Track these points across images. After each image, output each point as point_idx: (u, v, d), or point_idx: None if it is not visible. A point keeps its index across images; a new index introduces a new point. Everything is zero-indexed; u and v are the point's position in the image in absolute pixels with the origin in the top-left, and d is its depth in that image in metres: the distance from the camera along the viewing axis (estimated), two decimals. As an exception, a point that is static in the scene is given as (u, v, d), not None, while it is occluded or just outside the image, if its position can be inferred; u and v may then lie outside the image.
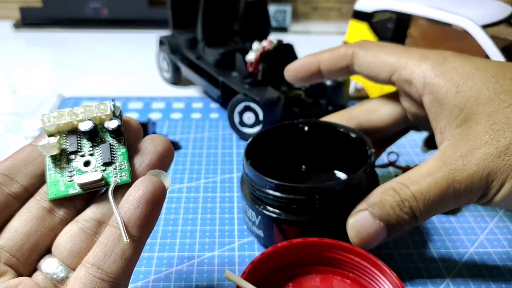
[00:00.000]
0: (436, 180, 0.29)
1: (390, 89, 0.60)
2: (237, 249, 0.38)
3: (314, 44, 0.93)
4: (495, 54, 0.49)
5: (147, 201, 0.22)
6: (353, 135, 0.40)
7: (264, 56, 0.57)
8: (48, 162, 0.24)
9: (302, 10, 1.08)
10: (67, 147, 0.24)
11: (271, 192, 0.34)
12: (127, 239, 0.21)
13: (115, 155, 0.23)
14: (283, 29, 1.00)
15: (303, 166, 0.45)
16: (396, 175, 0.48)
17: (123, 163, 0.23)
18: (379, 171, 0.49)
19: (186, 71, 0.66)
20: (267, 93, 0.53)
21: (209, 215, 0.42)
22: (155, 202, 0.22)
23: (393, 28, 0.59)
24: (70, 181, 0.23)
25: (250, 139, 0.40)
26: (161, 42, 0.70)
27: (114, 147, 0.23)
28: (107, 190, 0.23)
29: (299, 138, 0.43)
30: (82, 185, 0.23)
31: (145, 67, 0.77)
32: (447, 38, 0.61)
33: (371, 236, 0.32)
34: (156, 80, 0.72)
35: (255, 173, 0.35)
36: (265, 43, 0.58)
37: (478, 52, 0.50)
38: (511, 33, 0.54)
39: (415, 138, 0.56)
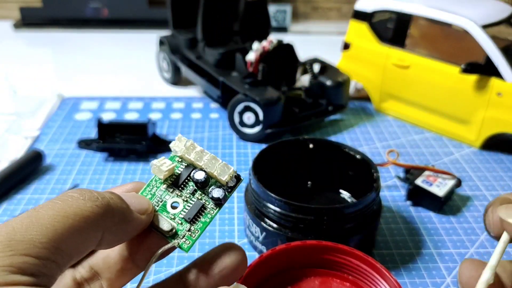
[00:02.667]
0: None
1: (389, 89, 0.60)
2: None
3: (314, 44, 0.93)
4: (495, 54, 0.49)
5: None
6: (358, 157, 0.40)
7: (264, 56, 0.57)
8: (151, 179, 0.24)
9: (302, 10, 1.08)
10: (174, 179, 0.24)
11: (278, 209, 0.34)
12: None
13: (197, 219, 0.23)
14: (283, 29, 1.00)
15: (309, 183, 0.44)
16: (398, 177, 0.48)
17: (196, 230, 0.23)
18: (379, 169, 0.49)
19: (186, 71, 0.66)
20: (267, 93, 0.53)
21: (209, 215, 0.42)
22: None
23: (393, 28, 0.59)
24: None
25: (256, 155, 0.39)
26: (161, 42, 0.70)
27: (203, 211, 0.23)
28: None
29: (304, 154, 0.43)
30: (152, 224, 0.23)
31: (145, 67, 0.77)
32: (447, 38, 0.61)
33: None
34: (156, 80, 0.72)
35: (263, 189, 0.35)
36: (265, 43, 0.58)
37: (478, 52, 0.50)
38: (511, 33, 0.54)
39: (414, 138, 0.56)
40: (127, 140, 0.50)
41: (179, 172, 0.24)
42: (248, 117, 0.54)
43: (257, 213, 0.36)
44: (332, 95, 0.57)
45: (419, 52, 0.57)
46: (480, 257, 0.38)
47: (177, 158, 0.24)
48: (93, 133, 0.55)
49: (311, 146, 0.42)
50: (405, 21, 0.57)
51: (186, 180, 0.24)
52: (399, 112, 0.60)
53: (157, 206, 0.23)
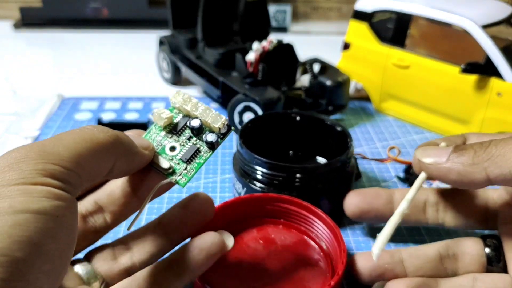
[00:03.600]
0: None
1: (389, 89, 0.60)
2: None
3: (314, 44, 0.93)
4: (495, 54, 0.49)
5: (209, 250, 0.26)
6: (338, 128, 0.44)
7: (264, 56, 0.57)
8: (152, 127, 0.27)
9: (302, 10, 1.08)
10: (172, 127, 0.27)
11: (257, 167, 0.38)
12: (128, 229, 0.25)
13: (192, 160, 0.26)
14: (283, 29, 1.00)
15: (291, 152, 0.48)
16: (398, 177, 0.48)
17: (192, 169, 0.26)
18: (378, 166, 0.49)
19: (186, 71, 0.66)
20: (267, 93, 0.53)
21: (209, 215, 0.42)
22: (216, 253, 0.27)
23: (393, 28, 0.59)
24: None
25: (246, 122, 0.44)
26: (161, 42, 0.70)
27: (198, 153, 0.26)
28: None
29: (290, 126, 0.47)
30: (151, 163, 0.26)
31: (145, 67, 0.77)
32: (447, 38, 0.61)
33: (443, 172, 0.28)
34: (156, 80, 0.72)
35: (246, 150, 0.39)
36: (265, 43, 0.58)
37: (478, 52, 0.50)
38: (511, 33, 0.54)
39: (414, 138, 0.56)
40: (127, 140, 0.50)
41: (176, 121, 0.27)
42: (248, 117, 0.54)
43: (241, 172, 0.40)
44: (332, 95, 0.57)
45: (419, 52, 0.57)
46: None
47: (175, 110, 0.28)
48: (93, 133, 0.54)
49: (298, 118, 0.46)
50: (405, 21, 0.57)
51: (183, 128, 0.27)
52: (399, 112, 0.60)
53: (157, 149, 0.26)
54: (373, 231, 0.40)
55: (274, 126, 0.47)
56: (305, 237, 0.36)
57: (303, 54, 0.64)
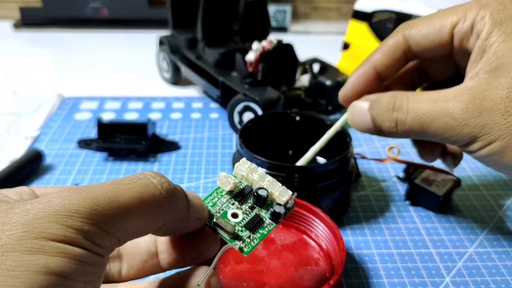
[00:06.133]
0: (435, 108, 0.30)
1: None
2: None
3: (314, 44, 0.93)
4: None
5: None
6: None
7: (264, 56, 0.57)
8: (214, 190, 0.26)
9: (302, 10, 1.08)
10: (235, 193, 0.26)
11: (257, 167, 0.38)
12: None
13: (256, 230, 0.25)
14: (283, 29, 1.00)
15: (290, 152, 0.49)
16: (397, 177, 0.48)
17: (255, 239, 0.25)
18: (377, 165, 0.49)
19: (186, 71, 0.66)
20: (267, 93, 0.53)
21: (209, 215, 0.42)
22: None
23: (393, 28, 0.59)
24: (213, 214, 0.25)
25: (246, 122, 0.44)
26: (161, 42, 0.70)
27: (261, 224, 0.25)
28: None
29: (290, 126, 0.47)
30: (216, 224, 0.24)
31: (145, 67, 0.77)
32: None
33: (360, 124, 0.35)
34: (156, 80, 0.72)
35: (246, 150, 0.39)
36: (264, 43, 0.58)
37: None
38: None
39: (414, 138, 0.56)
40: (127, 140, 0.51)
41: (241, 188, 0.27)
42: (248, 117, 0.54)
43: None
44: (332, 95, 0.57)
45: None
46: (479, 257, 0.38)
47: (238, 177, 0.27)
48: (93, 133, 0.55)
49: (297, 118, 0.47)
50: (405, 21, 0.57)
51: (247, 196, 0.26)
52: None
53: (218, 213, 0.25)
54: (372, 231, 0.41)
55: (274, 126, 0.47)
56: (305, 236, 0.36)
57: (303, 54, 0.64)
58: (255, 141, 0.43)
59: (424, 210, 0.43)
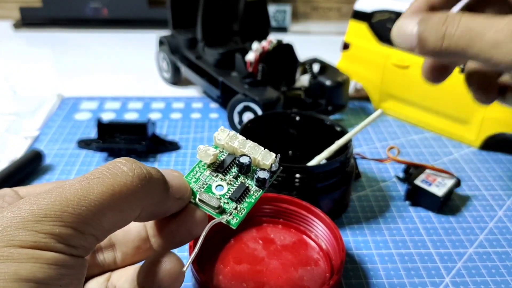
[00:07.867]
0: (487, 23, 0.26)
1: (389, 89, 0.60)
2: (236, 249, 0.38)
3: (314, 44, 0.93)
4: (494, 54, 0.49)
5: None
6: (337, 128, 0.44)
7: (264, 56, 0.57)
8: (196, 165, 0.25)
9: (302, 10, 1.08)
10: (217, 164, 0.25)
11: None
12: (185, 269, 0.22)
13: (243, 199, 0.24)
14: (283, 29, 1.00)
15: (290, 152, 0.49)
16: (397, 177, 0.48)
17: (243, 209, 0.24)
18: (377, 165, 0.49)
19: (186, 71, 0.66)
20: (267, 93, 0.53)
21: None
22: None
23: (393, 28, 0.59)
24: (197, 190, 0.24)
25: (246, 122, 0.44)
26: (161, 42, 0.70)
27: (248, 192, 0.24)
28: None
29: (290, 126, 0.47)
30: (200, 201, 0.24)
31: (145, 67, 0.77)
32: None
33: (403, 38, 0.30)
34: (156, 80, 0.72)
35: None
36: (264, 43, 0.58)
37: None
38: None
39: (414, 138, 0.56)
40: (126, 140, 0.51)
41: (222, 158, 0.25)
42: (248, 117, 0.54)
43: None
44: (331, 95, 0.57)
45: (418, 52, 0.57)
46: (479, 257, 0.38)
47: (219, 148, 0.26)
48: (92, 133, 0.55)
49: (297, 118, 0.47)
50: (405, 21, 0.57)
51: (230, 166, 0.25)
52: (398, 112, 0.60)
53: (202, 188, 0.24)
54: (372, 231, 0.40)
55: (274, 126, 0.47)
56: (305, 236, 0.36)
57: (302, 54, 0.64)
58: (255, 141, 0.43)
59: (424, 210, 0.43)
